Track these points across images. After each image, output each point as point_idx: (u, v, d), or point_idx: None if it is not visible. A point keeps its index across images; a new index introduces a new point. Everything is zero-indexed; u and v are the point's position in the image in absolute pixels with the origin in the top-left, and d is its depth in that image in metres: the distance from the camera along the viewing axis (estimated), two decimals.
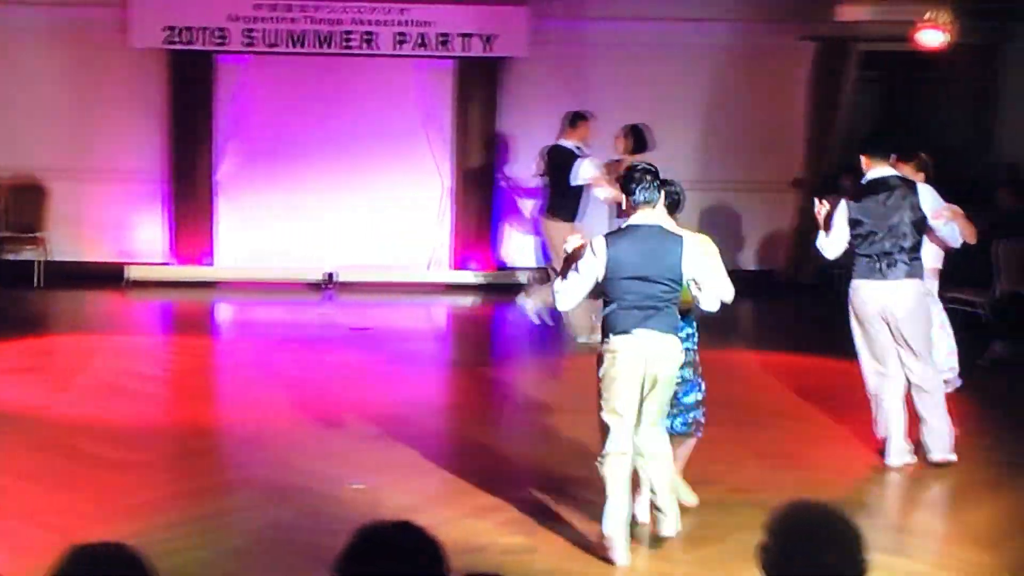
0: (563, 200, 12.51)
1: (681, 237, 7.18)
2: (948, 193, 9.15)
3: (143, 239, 15.78)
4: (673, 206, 7.85)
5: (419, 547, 3.35)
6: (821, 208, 8.73)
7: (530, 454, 8.96)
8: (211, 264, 15.70)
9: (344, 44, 15.15)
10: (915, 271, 8.82)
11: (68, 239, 15.68)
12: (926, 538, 7.63)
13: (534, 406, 10.40)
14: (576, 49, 15.70)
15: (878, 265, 8.78)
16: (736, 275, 15.87)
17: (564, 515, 7.72)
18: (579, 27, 15.60)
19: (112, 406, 9.96)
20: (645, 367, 7.03)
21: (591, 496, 8.03)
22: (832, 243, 9.02)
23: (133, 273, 15.43)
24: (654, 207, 7.17)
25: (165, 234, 15.73)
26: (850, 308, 9.05)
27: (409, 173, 15.80)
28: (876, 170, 8.95)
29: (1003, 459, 9.09)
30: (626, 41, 15.69)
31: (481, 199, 15.81)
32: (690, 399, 7.76)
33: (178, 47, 15.11)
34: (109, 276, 15.30)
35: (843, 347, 12.62)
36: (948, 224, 9.06)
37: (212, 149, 15.56)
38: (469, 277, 15.74)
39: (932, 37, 12.03)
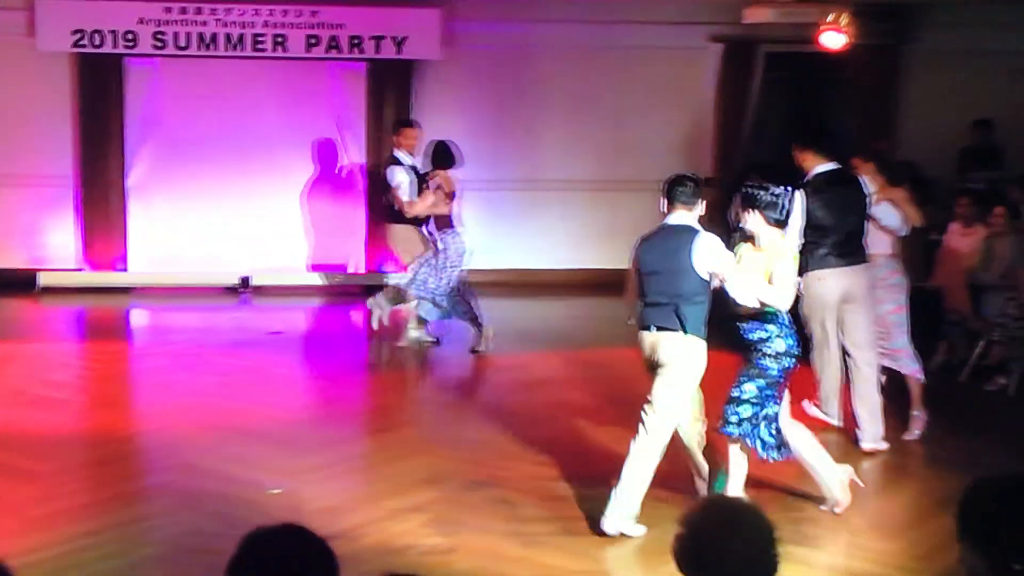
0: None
1: (697, 232, 7.49)
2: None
3: (55, 245, 15.59)
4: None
5: (309, 550, 3.34)
6: None
7: (448, 456, 8.94)
8: (124, 269, 15.54)
9: (255, 47, 15.06)
10: (866, 257, 9.34)
11: None
12: (834, 529, 7.69)
13: (451, 408, 10.39)
14: (489, 51, 15.71)
15: (839, 253, 9.19)
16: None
17: (483, 516, 7.72)
18: (492, 30, 15.60)
19: (23, 415, 9.81)
20: (649, 360, 7.64)
21: (509, 496, 8.06)
22: (792, 237, 8.86)
23: (45, 279, 15.23)
24: (690, 209, 7.63)
25: (77, 240, 15.54)
26: (810, 300, 9.25)
27: (324, 176, 15.76)
28: (824, 164, 9.33)
29: (906, 449, 9.24)
30: (538, 43, 15.74)
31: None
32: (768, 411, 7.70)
33: (87, 50, 14.93)
34: (20, 283, 15.08)
35: None
36: (892, 212, 9.57)
37: (123, 153, 15.40)
38: (384, 279, 15.67)
39: (833, 39, 12.21)
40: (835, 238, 9.22)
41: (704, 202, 7.81)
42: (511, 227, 16.11)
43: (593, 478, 8.46)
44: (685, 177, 7.95)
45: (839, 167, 9.50)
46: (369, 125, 15.60)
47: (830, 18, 12.07)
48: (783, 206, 7.62)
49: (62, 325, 14.23)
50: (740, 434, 7.67)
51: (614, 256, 16.18)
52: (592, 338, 13.59)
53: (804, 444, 7.80)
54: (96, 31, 14.81)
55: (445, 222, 12.22)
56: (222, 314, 14.48)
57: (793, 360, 7.71)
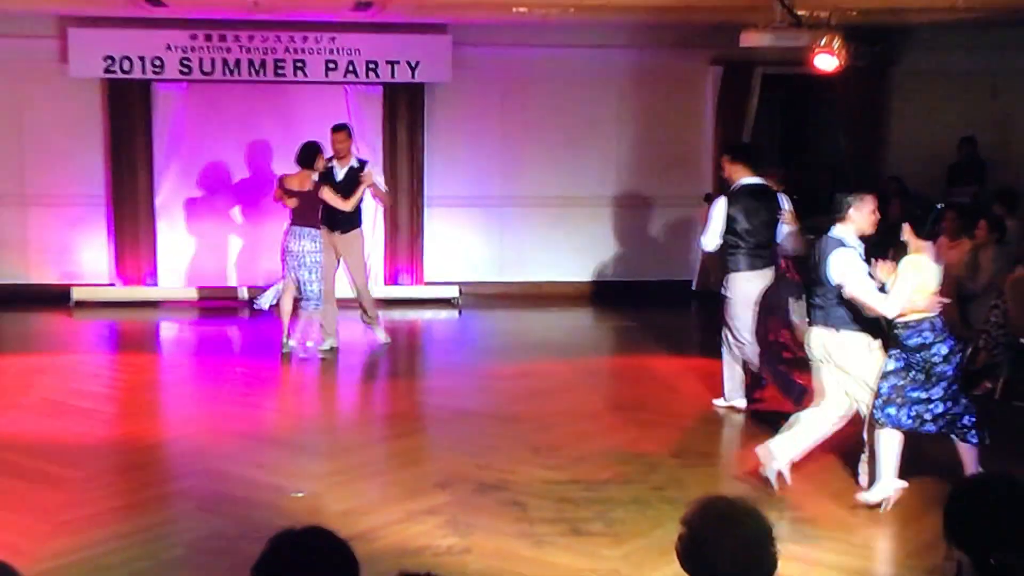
0: (352, 213, 12.40)
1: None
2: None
3: (87, 261, 15.59)
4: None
5: (332, 551, 3.31)
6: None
7: (461, 460, 8.89)
8: (154, 284, 15.53)
9: (277, 72, 15.05)
10: (773, 263, 10.24)
11: (14, 262, 15.45)
12: (831, 528, 7.64)
13: (462, 415, 10.33)
14: (497, 74, 15.70)
15: (759, 256, 10.02)
16: (652, 285, 16.08)
17: (494, 517, 7.67)
18: (500, 53, 15.58)
19: (55, 424, 9.79)
20: None
21: (519, 498, 8.01)
22: (712, 237, 10.12)
23: (78, 294, 15.22)
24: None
25: (109, 256, 15.54)
26: (736, 297, 10.05)
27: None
28: (751, 178, 10.09)
29: (903, 452, 9.15)
30: (544, 66, 15.73)
31: (411, 217, 15.75)
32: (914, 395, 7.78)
33: (117, 76, 14.93)
34: (54, 297, 15.09)
35: None
36: (789, 235, 10.39)
37: (152, 173, 15.40)
38: (401, 292, 15.68)
39: (826, 61, 12.17)
40: (753, 244, 9.99)
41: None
42: (516, 241, 16.09)
43: (598, 481, 8.42)
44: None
45: (762, 182, 10.20)
46: (385, 144, 15.58)
47: (823, 42, 12.04)
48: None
49: (94, 338, 14.21)
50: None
51: (616, 269, 16.25)
52: (595, 347, 13.58)
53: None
54: (125, 57, 14.81)
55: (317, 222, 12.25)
56: (245, 327, 14.43)
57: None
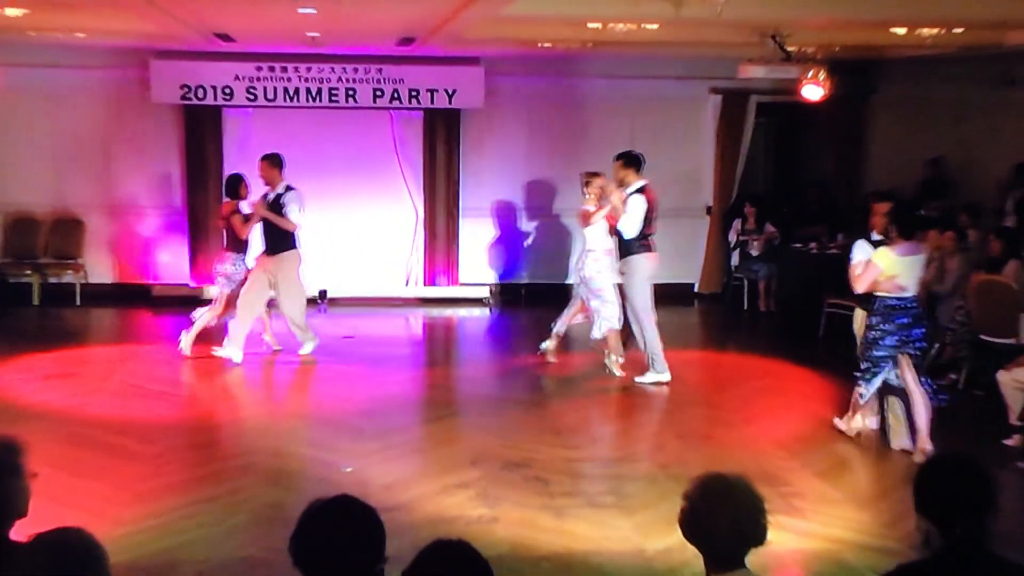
0: (278, 236, 11.72)
1: None
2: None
3: (166, 263, 15.62)
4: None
5: (359, 516, 3.28)
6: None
7: (490, 440, 8.86)
8: None
9: (331, 98, 15.05)
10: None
11: (102, 264, 15.51)
12: (816, 501, 7.58)
13: (491, 400, 10.30)
14: (523, 101, 15.67)
15: (650, 241, 10.99)
16: (658, 287, 16.04)
17: (520, 491, 7.63)
18: (526, 82, 15.56)
19: (136, 405, 9.80)
20: None
21: (542, 475, 7.98)
22: (635, 227, 10.85)
23: (158, 292, 15.25)
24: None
25: (185, 259, 15.57)
26: (639, 275, 10.88)
27: (388, 205, 15.71)
28: (640, 180, 10.97)
29: (876, 434, 9.09)
30: (565, 94, 15.71)
31: (447, 225, 15.74)
32: None
33: (192, 102, 14.96)
34: (137, 295, 15.14)
35: (748, 344, 12.67)
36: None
37: (222, 187, 15.38)
38: (439, 292, 15.66)
39: (813, 91, 12.14)
40: (646, 232, 10.93)
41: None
42: (542, 248, 16.03)
43: (611, 459, 8.39)
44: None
45: (646, 183, 11.01)
46: (425, 162, 15.56)
47: (810, 74, 12.00)
48: None
49: (170, 331, 14.18)
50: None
51: None
52: None
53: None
54: (200, 86, 14.84)
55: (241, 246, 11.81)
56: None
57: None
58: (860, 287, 8.45)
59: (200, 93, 14.86)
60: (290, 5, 9.57)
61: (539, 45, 13.17)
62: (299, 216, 11.67)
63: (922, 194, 15.53)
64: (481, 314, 15.10)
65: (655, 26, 10.93)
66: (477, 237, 15.89)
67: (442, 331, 12.79)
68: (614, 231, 11.01)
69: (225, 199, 12.06)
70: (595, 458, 8.42)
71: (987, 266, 10.89)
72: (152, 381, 10.78)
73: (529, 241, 16.04)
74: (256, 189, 12.01)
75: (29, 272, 15.04)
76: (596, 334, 11.17)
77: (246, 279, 11.74)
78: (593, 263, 11.16)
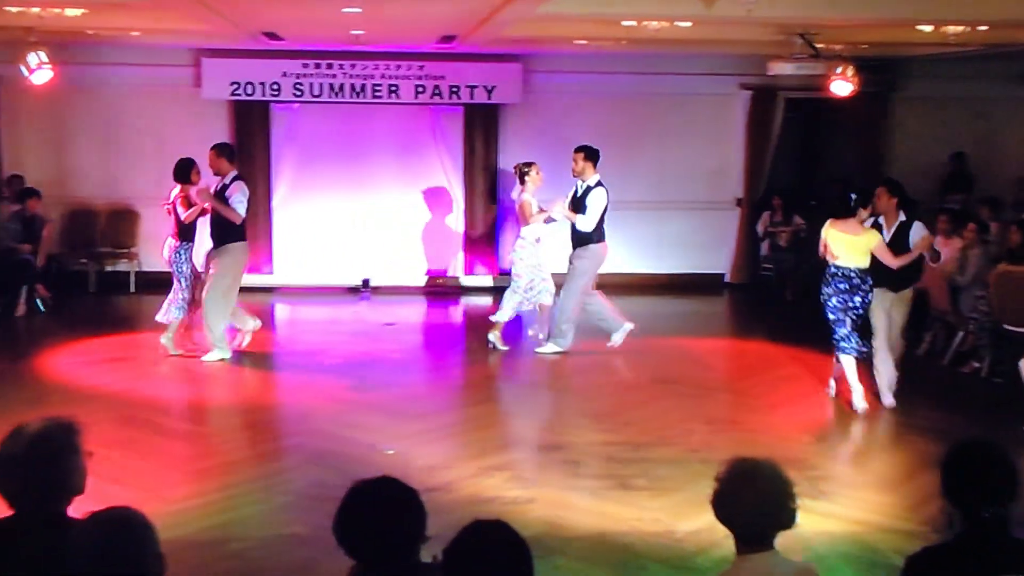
0: (222, 228, 11.10)
1: None
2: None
3: None
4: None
5: (401, 495, 3.30)
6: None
7: (526, 424, 8.89)
8: (270, 272, 15.61)
9: (374, 94, 15.07)
10: None
11: (155, 253, 15.46)
12: (842, 485, 7.55)
13: (527, 386, 10.31)
14: (560, 96, 15.62)
15: (604, 231, 11.22)
16: (689, 277, 15.97)
17: (555, 473, 7.64)
18: (563, 79, 15.52)
19: (187, 388, 9.90)
20: None
21: (576, 457, 7.97)
22: (594, 221, 11.11)
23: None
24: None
25: None
26: (594, 263, 11.17)
27: (429, 197, 15.72)
28: (596, 173, 11.20)
29: (900, 420, 9.06)
30: (599, 90, 15.65)
31: (486, 217, 15.73)
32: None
33: (241, 98, 15.03)
34: None
35: (776, 333, 12.59)
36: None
37: (269, 179, 15.48)
38: (478, 280, 15.67)
39: (841, 87, 12.04)
40: (602, 223, 11.12)
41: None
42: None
43: (642, 443, 8.36)
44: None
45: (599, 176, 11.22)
46: (465, 156, 15.56)
47: (838, 70, 11.89)
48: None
49: None
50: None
51: (659, 263, 16.14)
52: (640, 330, 13.43)
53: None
54: (249, 82, 14.90)
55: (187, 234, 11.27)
56: (346, 309, 14.46)
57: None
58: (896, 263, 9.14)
59: (249, 89, 14.92)
60: (336, 4, 9.58)
61: (575, 43, 13.13)
62: (243, 207, 10.93)
63: (944, 188, 15.47)
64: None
65: (688, 24, 10.87)
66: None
67: (481, 319, 12.72)
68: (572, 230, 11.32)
69: (175, 184, 11.27)
70: (626, 442, 8.38)
71: (1008, 257, 10.80)
72: (202, 365, 10.84)
73: (563, 233, 15.98)
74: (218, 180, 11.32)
75: (86, 261, 15.15)
76: (503, 317, 11.45)
77: (197, 275, 11.26)
78: (519, 249, 11.46)
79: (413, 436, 8.57)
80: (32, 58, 11.78)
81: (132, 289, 15.17)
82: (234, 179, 11.00)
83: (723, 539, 3.63)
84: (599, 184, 11.13)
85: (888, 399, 9.32)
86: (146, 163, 15.34)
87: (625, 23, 10.92)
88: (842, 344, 9.21)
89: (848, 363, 9.22)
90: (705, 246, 16.28)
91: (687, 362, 11.36)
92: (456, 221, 15.77)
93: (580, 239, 11.18)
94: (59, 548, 3.10)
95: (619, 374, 10.85)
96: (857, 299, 9.15)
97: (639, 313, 14.63)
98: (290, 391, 10.12)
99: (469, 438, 8.80)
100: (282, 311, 14.73)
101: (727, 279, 16.17)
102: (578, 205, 11.19)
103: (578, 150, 11.36)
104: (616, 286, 15.71)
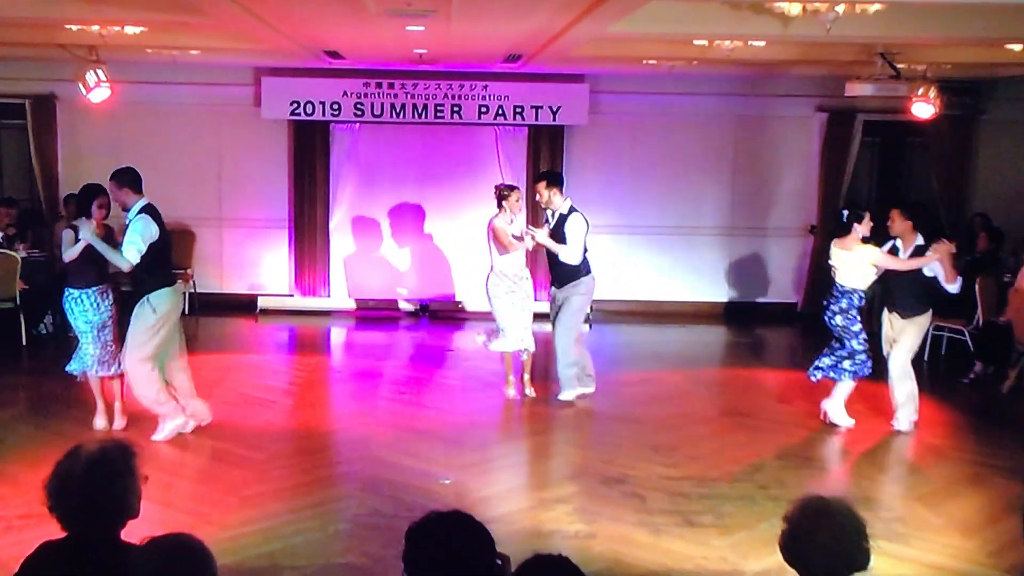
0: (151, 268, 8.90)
1: None
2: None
3: (272, 275, 15.89)
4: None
5: (471, 531, 3.28)
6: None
7: (587, 456, 8.85)
8: (327, 296, 15.76)
9: (437, 115, 15.19)
10: None
11: (211, 275, 15.82)
12: (919, 527, 7.44)
13: (589, 416, 10.28)
14: (627, 118, 15.66)
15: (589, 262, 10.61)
16: (760, 306, 15.89)
17: (617, 507, 7.61)
18: (630, 100, 15.55)
19: (242, 412, 9.97)
20: None
21: (639, 491, 7.94)
22: (578, 253, 10.43)
23: (263, 303, 15.54)
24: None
25: (290, 271, 15.82)
26: (587, 297, 10.68)
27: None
28: (563, 200, 10.49)
29: (980, 460, 8.91)
30: (669, 111, 15.66)
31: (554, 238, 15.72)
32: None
33: (301, 118, 15.22)
34: (243, 305, 15.45)
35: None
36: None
37: (328, 201, 15.65)
38: (542, 307, 15.62)
39: (923, 109, 11.93)
40: (586, 251, 10.54)
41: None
42: (643, 264, 16.00)
43: (710, 478, 8.31)
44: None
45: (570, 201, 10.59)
46: (529, 178, 15.58)
47: (920, 92, 11.79)
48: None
49: (275, 340, 14.45)
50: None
51: (729, 291, 16.08)
52: (708, 360, 13.42)
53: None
54: (308, 102, 15.08)
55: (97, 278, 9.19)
56: (404, 334, 14.56)
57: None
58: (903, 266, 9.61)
59: (309, 109, 15.10)
60: (400, 22, 9.68)
61: (643, 63, 13.14)
62: (135, 251, 8.61)
63: None
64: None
65: (762, 43, 10.85)
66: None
67: (541, 345, 12.73)
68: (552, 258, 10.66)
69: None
70: (693, 476, 8.34)
71: None
72: (258, 390, 10.98)
73: (629, 258, 15.99)
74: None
75: None
76: (490, 345, 10.97)
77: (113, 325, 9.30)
78: (494, 279, 10.65)
79: (471, 466, 8.59)
80: (91, 76, 12.03)
81: (186, 311, 15.33)
82: (140, 211, 8.86)
83: None
84: (573, 210, 10.42)
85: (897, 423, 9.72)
86: (203, 184, 15.60)
87: (697, 42, 10.93)
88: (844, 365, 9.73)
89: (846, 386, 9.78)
90: (777, 274, 16.19)
91: (757, 394, 11.29)
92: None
93: (566, 274, 10.51)
94: (113, 571, 3.16)
95: (686, 405, 10.79)
96: (827, 315, 9.76)
97: (707, 343, 14.65)
98: (346, 417, 10.19)
99: (528, 469, 8.81)
100: (338, 335, 14.85)
101: (799, 308, 16.05)
102: (556, 237, 10.46)
103: (538, 179, 10.79)
104: (684, 315, 15.74)
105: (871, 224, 9.61)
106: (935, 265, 9.42)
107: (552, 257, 10.55)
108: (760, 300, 16.13)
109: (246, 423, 9.56)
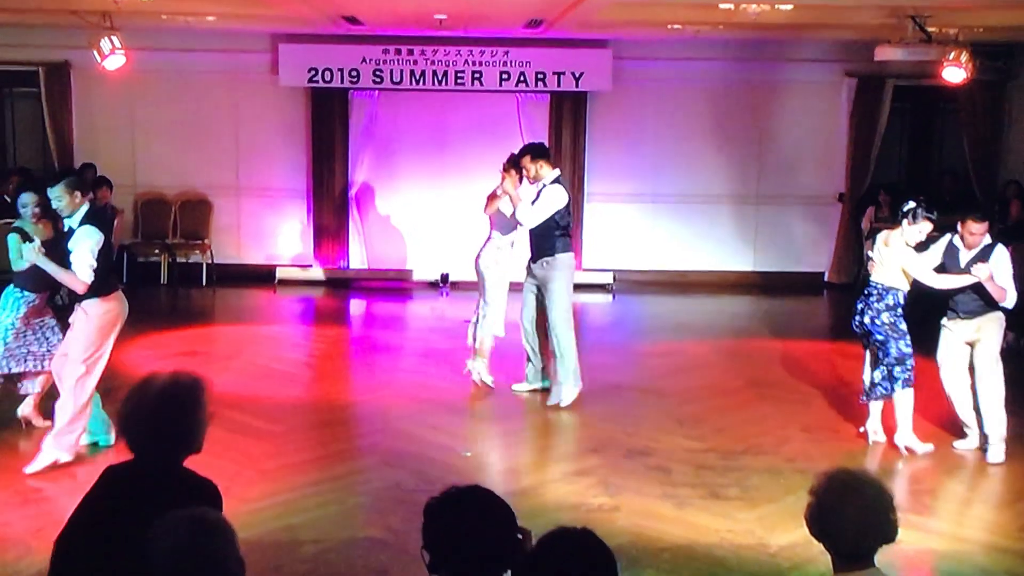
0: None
1: None
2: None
3: (290, 245, 15.93)
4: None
5: (491, 506, 3.28)
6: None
7: (611, 428, 8.86)
8: (346, 267, 15.79)
9: (457, 81, 15.16)
10: None
11: (229, 245, 15.87)
12: (948, 500, 7.46)
13: (613, 388, 10.28)
14: (652, 84, 15.58)
15: (569, 239, 9.88)
16: (787, 275, 15.88)
17: (641, 480, 7.63)
18: (655, 66, 15.47)
19: (261, 385, 10.02)
20: None
21: (663, 464, 7.96)
22: (538, 218, 9.53)
23: (281, 274, 15.59)
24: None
25: (308, 241, 15.86)
26: (566, 276, 9.70)
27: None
28: (552, 171, 9.73)
29: (1012, 433, 8.80)
30: (694, 77, 15.58)
31: (573, 210, 15.63)
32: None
33: (319, 85, 15.21)
34: (261, 276, 15.50)
35: None
36: None
37: (347, 170, 15.66)
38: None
39: (954, 74, 11.84)
40: (567, 228, 9.79)
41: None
42: (667, 234, 15.97)
43: (735, 451, 8.32)
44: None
45: (559, 173, 9.93)
46: (551, 145, 15.51)
47: (951, 56, 11.70)
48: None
49: (293, 312, 14.51)
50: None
51: (755, 260, 16.04)
52: (734, 330, 13.40)
53: None
54: (327, 69, 15.08)
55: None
56: (425, 305, 14.59)
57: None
58: (939, 284, 8.37)
59: (327, 76, 15.10)
60: None
61: (668, 27, 13.08)
62: (88, 268, 7.56)
63: None
64: (603, 300, 15.07)
65: (789, 7, 10.77)
66: (601, 222, 15.88)
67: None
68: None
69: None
70: (718, 449, 8.35)
71: None
72: (277, 362, 11.04)
73: (654, 227, 15.96)
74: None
75: (158, 252, 15.46)
76: (475, 343, 10.09)
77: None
78: (493, 251, 10.02)
79: (491, 438, 8.64)
80: (105, 44, 12.03)
81: (204, 282, 15.44)
82: (84, 219, 7.71)
83: (819, 554, 3.61)
84: (556, 181, 9.71)
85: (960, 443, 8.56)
86: (220, 153, 15.64)
87: (723, 6, 10.86)
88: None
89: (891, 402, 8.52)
90: (804, 243, 16.13)
91: (784, 366, 11.27)
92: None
93: (539, 246, 9.74)
94: (169, 498, 3.24)
95: (711, 377, 10.80)
96: (865, 318, 8.41)
97: (734, 313, 14.63)
98: (365, 389, 10.22)
99: (552, 441, 8.84)
100: (357, 307, 14.89)
101: (827, 278, 16.00)
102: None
103: (523, 153, 9.89)
104: (709, 284, 15.71)
105: (924, 236, 8.32)
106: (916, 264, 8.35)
107: (535, 228, 9.73)
108: (787, 270, 16.08)
109: (265, 395, 9.61)
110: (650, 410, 9.45)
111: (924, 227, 8.22)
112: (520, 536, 3.23)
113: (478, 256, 10.04)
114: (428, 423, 8.88)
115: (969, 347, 8.38)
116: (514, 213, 9.67)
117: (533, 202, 9.68)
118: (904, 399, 8.36)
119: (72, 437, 7.73)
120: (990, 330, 8.30)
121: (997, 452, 8.25)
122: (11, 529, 6.40)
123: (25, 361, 8.36)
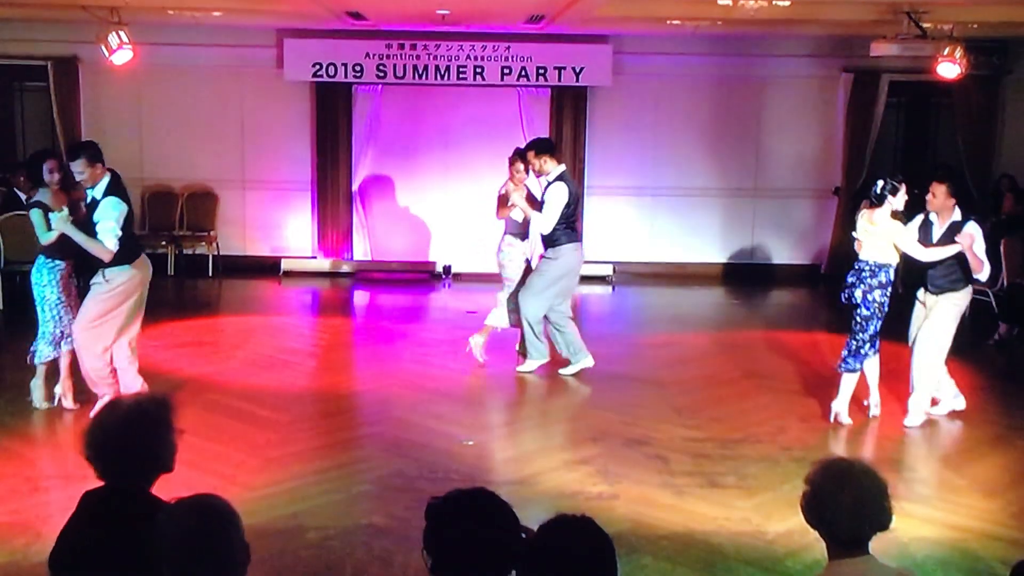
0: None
1: None
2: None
3: (294, 237, 15.92)
4: None
5: (493, 509, 3.23)
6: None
7: (611, 418, 8.86)
8: (350, 258, 15.79)
9: (459, 76, 15.15)
10: None
11: (234, 237, 15.87)
12: (942, 488, 7.44)
13: (613, 378, 10.28)
14: (651, 79, 15.57)
15: (575, 231, 10.13)
16: (784, 267, 15.88)
17: (640, 469, 7.63)
18: (654, 61, 15.46)
19: (266, 375, 10.02)
20: None
21: (662, 453, 7.96)
22: (551, 222, 9.83)
23: (286, 265, 15.59)
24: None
25: (312, 233, 15.85)
26: (561, 266, 9.91)
27: None
28: (557, 166, 9.91)
29: (1004, 422, 8.88)
30: (692, 73, 15.57)
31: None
32: None
33: (323, 80, 15.19)
34: (266, 268, 15.50)
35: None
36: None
37: (350, 163, 15.65)
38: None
39: (949, 69, 11.84)
40: (573, 220, 10.01)
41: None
42: (666, 226, 15.97)
43: (733, 440, 8.32)
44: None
45: (564, 167, 10.07)
46: (552, 139, 15.50)
47: (946, 51, 11.69)
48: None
49: (298, 302, 14.50)
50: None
51: (753, 252, 16.03)
52: (731, 321, 13.40)
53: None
54: (331, 64, 15.06)
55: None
56: (427, 296, 14.59)
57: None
58: (926, 255, 8.68)
59: (331, 70, 15.08)
60: None
61: (668, 23, 13.07)
62: (114, 237, 7.91)
63: None
64: (603, 292, 15.07)
65: (787, 3, 10.76)
66: (601, 214, 15.87)
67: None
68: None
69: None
70: (715, 438, 8.35)
71: None
72: (282, 352, 11.03)
73: (653, 220, 15.96)
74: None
75: (165, 244, 15.45)
76: (496, 322, 10.41)
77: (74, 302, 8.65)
78: (507, 248, 10.36)
79: (494, 427, 8.63)
80: (113, 38, 12.02)
81: (210, 273, 15.45)
82: (108, 187, 7.99)
83: (815, 541, 3.61)
84: (559, 178, 9.85)
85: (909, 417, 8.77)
86: (226, 146, 15.63)
87: (721, 2, 10.85)
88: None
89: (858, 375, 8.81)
90: (801, 236, 16.13)
91: (781, 356, 11.27)
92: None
93: (547, 240, 10.01)
94: (142, 521, 3.21)
95: (709, 367, 10.79)
96: (857, 292, 8.62)
97: (728, 304, 14.61)
98: (369, 379, 10.22)
99: (550, 430, 8.83)
100: (361, 297, 14.89)
101: (823, 270, 16.00)
102: (540, 205, 10.06)
103: (528, 149, 10.07)
104: (707, 276, 15.71)
105: (907, 198, 8.57)
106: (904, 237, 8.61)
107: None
108: (784, 262, 16.09)
109: (270, 385, 9.61)
110: (649, 400, 9.44)
111: (902, 193, 8.54)
112: (524, 535, 3.21)
113: (497, 250, 10.48)
114: (431, 412, 8.88)
115: None
116: (526, 219, 10.11)
117: (540, 203, 9.92)
118: (860, 375, 8.79)
119: (105, 389, 8.22)
120: (944, 307, 8.66)
121: (913, 418, 8.69)
122: (20, 516, 6.41)
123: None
